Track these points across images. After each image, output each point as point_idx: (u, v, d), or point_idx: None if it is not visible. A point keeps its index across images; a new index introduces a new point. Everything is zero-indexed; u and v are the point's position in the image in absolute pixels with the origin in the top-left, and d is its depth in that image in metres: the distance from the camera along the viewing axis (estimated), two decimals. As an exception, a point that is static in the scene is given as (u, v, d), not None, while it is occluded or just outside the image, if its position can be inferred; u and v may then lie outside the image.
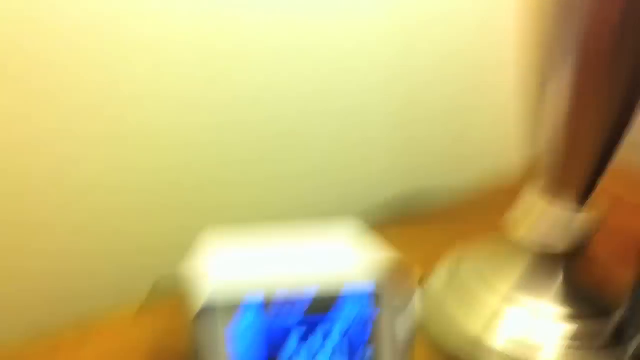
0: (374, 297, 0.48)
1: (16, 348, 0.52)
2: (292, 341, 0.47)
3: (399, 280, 0.47)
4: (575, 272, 0.54)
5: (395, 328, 0.48)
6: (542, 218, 0.53)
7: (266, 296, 0.46)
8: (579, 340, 0.51)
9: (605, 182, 0.52)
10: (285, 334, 0.47)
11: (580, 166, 0.51)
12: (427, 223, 0.76)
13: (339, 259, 0.49)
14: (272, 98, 0.66)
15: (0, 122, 0.53)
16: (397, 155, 0.80)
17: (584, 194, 0.52)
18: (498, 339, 0.52)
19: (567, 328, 0.51)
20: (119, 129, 0.58)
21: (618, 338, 0.51)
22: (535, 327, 0.52)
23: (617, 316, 0.52)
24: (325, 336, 0.48)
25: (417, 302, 0.49)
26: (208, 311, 0.45)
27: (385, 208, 0.76)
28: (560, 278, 0.53)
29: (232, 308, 0.45)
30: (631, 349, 0.50)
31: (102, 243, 0.60)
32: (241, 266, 0.49)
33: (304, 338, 0.47)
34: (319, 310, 0.47)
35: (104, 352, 0.52)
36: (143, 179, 0.61)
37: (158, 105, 0.59)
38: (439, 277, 0.61)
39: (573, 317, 0.52)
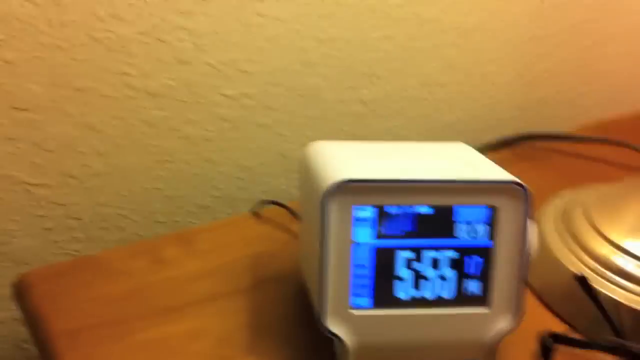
0: (491, 219, 0.47)
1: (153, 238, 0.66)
2: (400, 261, 0.47)
3: (518, 202, 0.47)
4: None
5: (512, 254, 0.48)
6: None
7: (380, 205, 0.46)
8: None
9: None
10: (394, 252, 0.47)
11: None
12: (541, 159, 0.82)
13: (456, 174, 0.47)
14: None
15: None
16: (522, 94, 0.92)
17: None
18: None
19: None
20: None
21: None
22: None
23: None
24: (436, 259, 0.48)
25: (533, 230, 0.48)
26: (338, 189, 0.45)
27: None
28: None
29: (359, 192, 0.45)
30: None
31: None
32: (363, 157, 0.50)
33: (414, 259, 0.47)
34: (430, 230, 0.47)
35: (223, 240, 0.65)
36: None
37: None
38: (546, 217, 0.63)
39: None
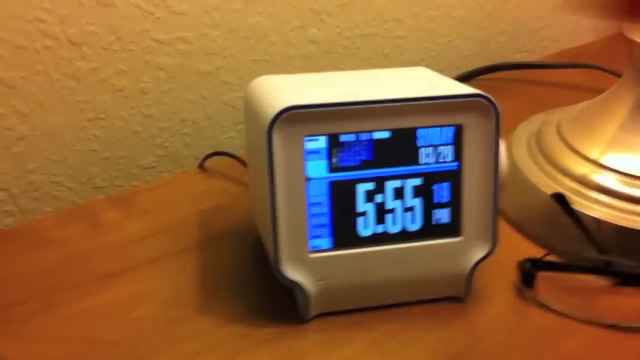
0: (456, 139, 0.44)
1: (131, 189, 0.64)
2: (360, 195, 0.44)
3: (485, 118, 0.43)
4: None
5: (482, 176, 0.44)
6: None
7: (333, 133, 0.42)
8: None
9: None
10: (352, 185, 0.43)
11: None
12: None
13: (416, 93, 0.43)
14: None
15: None
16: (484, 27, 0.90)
17: None
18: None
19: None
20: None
21: None
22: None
23: None
24: (399, 189, 0.44)
25: (503, 149, 0.45)
26: (285, 118, 0.41)
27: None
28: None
29: (307, 119, 0.41)
30: None
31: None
32: (311, 86, 0.45)
33: (375, 191, 0.44)
34: (391, 157, 0.43)
35: (167, 199, 0.61)
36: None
37: None
38: (518, 142, 0.61)
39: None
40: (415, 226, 0.45)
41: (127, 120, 0.67)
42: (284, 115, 0.41)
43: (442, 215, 0.45)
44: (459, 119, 0.43)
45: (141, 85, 0.67)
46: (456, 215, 0.45)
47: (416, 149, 0.43)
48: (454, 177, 0.44)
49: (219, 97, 0.72)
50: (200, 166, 0.65)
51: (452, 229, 0.45)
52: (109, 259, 0.52)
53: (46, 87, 0.62)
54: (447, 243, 0.45)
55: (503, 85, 0.85)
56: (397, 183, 0.44)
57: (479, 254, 0.46)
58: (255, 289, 0.49)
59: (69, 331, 0.45)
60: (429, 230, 0.45)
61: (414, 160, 0.43)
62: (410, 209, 0.44)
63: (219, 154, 0.65)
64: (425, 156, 0.43)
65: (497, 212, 0.45)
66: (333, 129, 0.42)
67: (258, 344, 0.44)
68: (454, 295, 0.48)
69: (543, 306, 0.48)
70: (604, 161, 0.54)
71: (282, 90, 0.45)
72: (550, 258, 0.50)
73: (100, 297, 0.48)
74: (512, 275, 0.50)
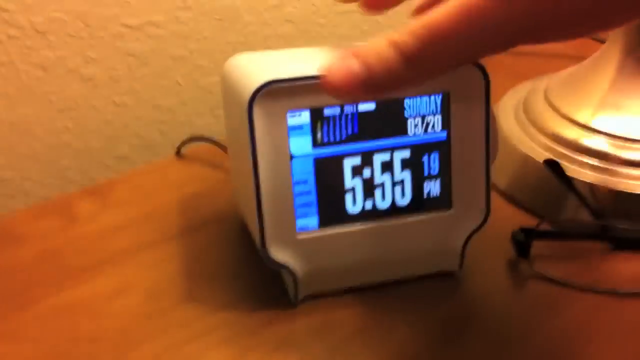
0: (444, 108, 0.42)
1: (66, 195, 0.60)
2: (347, 170, 0.42)
3: (473, 84, 0.41)
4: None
5: (472, 145, 0.43)
6: None
7: (317, 107, 0.40)
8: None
9: None
10: (338, 161, 0.42)
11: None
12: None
13: None
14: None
15: None
16: None
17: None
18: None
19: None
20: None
21: None
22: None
23: None
24: (387, 163, 0.42)
25: (492, 117, 0.43)
26: (265, 92, 0.39)
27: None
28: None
29: (289, 93, 0.39)
30: None
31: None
32: (291, 61, 0.44)
33: (362, 165, 0.42)
34: (377, 130, 0.42)
35: (144, 188, 0.58)
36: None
37: None
38: (504, 111, 0.59)
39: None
40: (405, 200, 0.43)
41: (99, 110, 0.65)
42: (265, 89, 0.39)
43: (432, 188, 0.43)
44: (446, 86, 0.41)
45: (112, 73, 0.64)
46: (446, 187, 0.43)
47: (404, 120, 0.42)
48: (443, 148, 0.43)
49: (194, 82, 0.70)
50: (178, 153, 0.63)
51: (443, 201, 0.44)
52: (85, 252, 0.50)
53: (12, 79, 0.59)
54: (439, 216, 0.44)
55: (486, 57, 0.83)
56: (385, 156, 0.42)
57: (472, 225, 0.44)
58: (242, 276, 0.47)
59: (46, 329, 0.43)
60: (420, 204, 0.43)
61: (402, 132, 0.42)
62: (399, 183, 0.43)
63: (196, 140, 0.63)
64: (414, 127, 0.42)
65: (489, 181, 0.43)
66: (316, 102, 0.40)
67: (247, 331, 0.43)
68: (447, 270, 0.46)
69: (539, 276, 0.46)
70: (594, 124, 0.52)
71: (261, 66, 0.43)
72: (544, 227, 0.48)
73: (78, 292, 0.46)
74: (506, 247, 0.49)
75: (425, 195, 0.43)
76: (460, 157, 0.43)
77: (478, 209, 0.44)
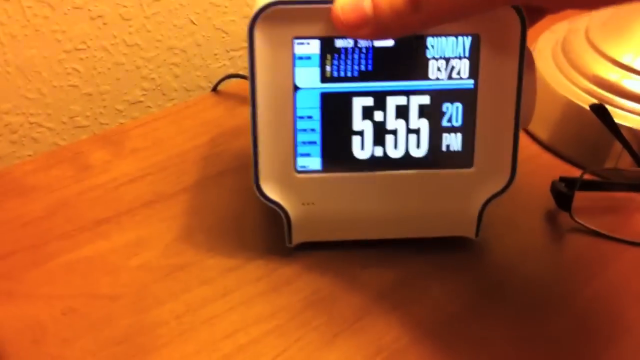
0: (473, 52, 0.38)
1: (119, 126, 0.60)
2: (357, 111, 0.39)
3: (508, 27, 0.37)
4: None
5: (502, 98, 0.39)
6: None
7: (328, 37, 0.37)
8: None
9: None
10: (348, 99, 0.39)
11: None
12: None
13: None
14: None
15: None
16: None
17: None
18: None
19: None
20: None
21: None
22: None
23: None
24: (401, 109, 0.39)
25: (531, 65, 0.39)
26: (268, 13, 0.36)
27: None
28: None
29: (296, 18, 0.36)
30: None
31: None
32: None
33: (374, 107, 0.39)
34: (394, 69, 0.38)
35: (158, 135, 0.56)
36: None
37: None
38: (542, 53, 0.56)
39: None
40: (420, 152, 0.40)
41: (109, 50, 0.62)
42: (267, 11, 0.36)
43: (453, 142, 0.40)
44: (476, 27, 0.37)
45: (122, 11, 0.61)
46: (469, 142, 0.40)
47: (425, 61, 0.38)
48: (468, 98, 0.39)
49: (208, 21, 0.67)
50: (215, 89, 0.61)
51: (464, 157, 0.40)
52: (99, 204, 0.48)
53: (17, 17, 0.56)
54: (457, 173, 0.40)
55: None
56: (400, 100, 0.39)
57: (494, 188, 0.40)
58: (264, 229, 0.45)
59: (61, 286, 0.41)
60: (437, 157, 0.40)
61: (422, 75, 0.38)
62: (415, 132, 0.40)
63: (234, 77, 0.60)
64: (437, 70, 0.38)
65: (517, 141, 0.39)
66: (327, 31, 0.37)
67: (271, 288, 0.41)
68: (461, 235, 0.43)
69: (582, 229, 0.44)
70: (635, 65, 0.49)
71: None
72: (587, 177, 0.46)
73: (94, 246, 0.44)
74: (546, 198, 0.46)
75: (443, 149, 0.40)
76: (488, 110, 0.39)
77: (502, 170, 0.40)
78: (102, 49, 0.61)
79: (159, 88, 0.66)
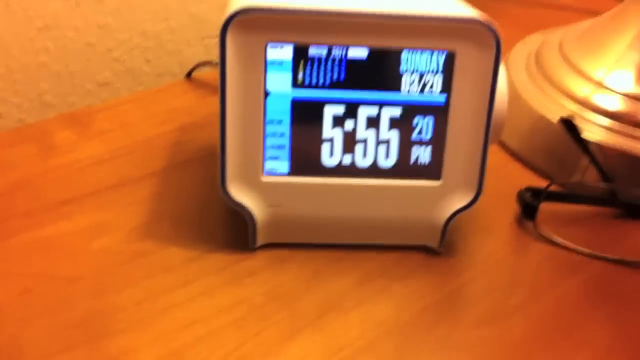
0: (447, 68, 0.38)
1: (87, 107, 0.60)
2: (327, 119, 0.39)
3: (483, 46, 0.37)
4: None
5: (473, 114, 0.39)
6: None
7: (301, 44, 0.37)
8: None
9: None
10: (319, 107, 0.39)
11: None
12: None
13: (403, 9, 0.37)
14: None
15: None
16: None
17: None
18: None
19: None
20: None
21: None
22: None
23: None
24: (371, 120, 0.39)
25: (503, 82, 0.39)
26: (241, 19, 0.36)
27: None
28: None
29: (270, 25, 0.36)
30: None
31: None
32: None
33: (345, 116, 0.39)
34: (367, 81, 0.38)
35: (127, 118, 0.55)
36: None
37: None
38: (515, 64, 0.57)
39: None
40: (389, 162, 0.40)
41: (81, 30, 0.61)
42: (240, 17, 0.36)
43: (422, 154, 0.40)
44: (451, 44, 0.38)
45: (97, -9, 0.60)
46: (438, 156, 0.40)
47: (398, 75, 0.38)
48: (439, 112, 0.39)
49: (183, 7, 0.66)
50: (188, 76, 0.61)
51: (432, 170, 0.41)
52: (63, 184, 0.47)
53: (-12, -10, 0.55)
54: (424, 186, 0.41)
55: (493, 5, 0.80)
56: (371, 110, 0.39)
57: (460, 202, 0.41)
58: (228, 220, 0.45)
59: (19, 265, 0.41)
60: (405, 169, 0.41)
61: (395, 87, 0.39)
62: (384, 142, 0.40)
63: (207, 64, 0.60)
64: (410, 84, 0.39)
65: (486, 157, 0.40)
66: (301, 38, 0.37)
67: (235, 278, 0.41)
68: (426, 245, 0.44)
69: (545, 240, 0.45)
70: (608, 82, 0.50)
71: None
72: (553, 188, 0.47)
73: (56, 227, 0.44)
74: (511, 207, 0.47)
75: (412, 161, 0.40)
76: (459, 125, 0.39)
77: (469, 185, 0.40)
78: (73, 28, 0.60)
79: (129, 71, 0.66)
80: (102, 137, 0.52)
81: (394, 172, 0.40)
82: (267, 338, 0.38)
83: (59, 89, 0.62)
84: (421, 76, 0.38)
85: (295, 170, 0.40)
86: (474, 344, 0.38)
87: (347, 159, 0.40)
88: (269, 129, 0.39)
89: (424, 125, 0.40)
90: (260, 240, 0.42)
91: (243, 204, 0.40)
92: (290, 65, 0.38)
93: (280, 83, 0.38)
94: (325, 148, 0.40)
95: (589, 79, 0.51)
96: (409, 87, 0.39)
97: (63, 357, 0.36)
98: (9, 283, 0.39)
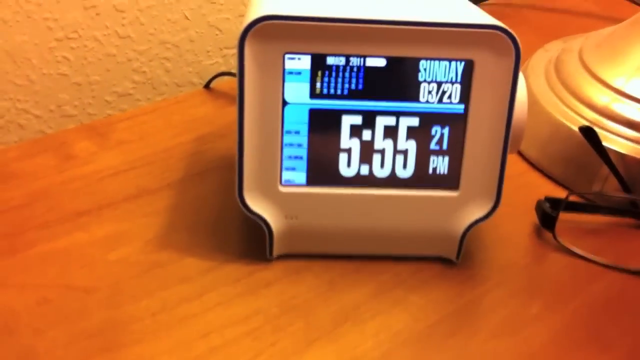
0: (465, 78, 0.38)
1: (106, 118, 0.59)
2: (345, 128, 0.39)
3: (501, 55, 0.37)
4: None
5: (492, 124, 0.39)
6: None
7: (319, 54, 0.37)
8: None
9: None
10: (336, 116, 0.39)
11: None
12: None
13: (421, 17, 0.37)
14: None
15: None
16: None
17: None
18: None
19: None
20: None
21: None
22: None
23: None
24: (389, 129, 0.39)
25: (522, 91, 0.39)
26: (259, 27, 0.36)
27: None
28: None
29: (288, 33, 0.36)
30: None
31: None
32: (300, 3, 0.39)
33: (363, 126, 0.39)
34: (385, 90, 0.38)
35: (146, 129, 0.56)
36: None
37: None
38: (534, 71, 0.56)
39: None
40: (406, 173, 0.40)
41: (101, 41, 0.62)
42: (258, 26, 0.36)
43: (439, 164, 0.40)
44: (470, 53, 0.38)
45: (116, 2, 0.61)
46: (456, 166, 0.40)
47: (417, 84, 0.38)
48: (458, 122, 0.39)
49: (202, 17, 0.67)
50: (207, 86, 0.61)
51: (450, 181, 0.40)
52: (81, 195, 0.48)
53: (9, 2, 0.56)
54: (442, 197, 0.41)
55: (511, 12, 0.80)
56: (389, 120, 0.39)
57: (477, 213, 0.41)
58: (245, 231, 0.45)
59: (37, 276, 0.41)
60: (423, 179, 0.40)
61: (413, 96, 0.39)
62: (402, 152, 0.40)
63: (226, 75, 0.61)
64: (428, 93, 0.39)
65: (504, 167, 0.39)
66: (319, 48, 0.37)
67: (251, 290, 0.41)
68: (443, 256, 0.43)
69: (564, 250, 0.44)
70: (628, 90, 0.49)
71: (273, 0, 0.40)
72: (572, 198, 0.46)
73: (73, 238, 0.44)
74: (530, 217, 0.46)
75: (430, 171, 0.40)
76: (477, 135, 0.39)
77: (487, 196, 0.40)
78: (93, 39, 0.61)
79: (149, 82, 0.66)
80: (121, 148, 0.53)
81: (412, 182, 0.40)
82: (282, 349, 0.37)
83: (79, 100, 0.63)
84: (439, 85, 0.38)
85: (312, 180, 0.40)
86: (491, 355, 0.38)
87: (364, 169, 0.40)
88: (287, 139, 0.39)
89: (442, 135, 0.39)
90: (277, 251, 0.42)
91: (260, 214, 0.40)
92: (308, 75, 0.38)
93: (298, 93, 0.38)
94: (342, 158, 0.40)
95: (608, 86, 0.50)
96: (427, 97, 0.39)
97: (79, 368, 0.36)
98: (26, 293, 0.40)
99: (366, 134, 0.39)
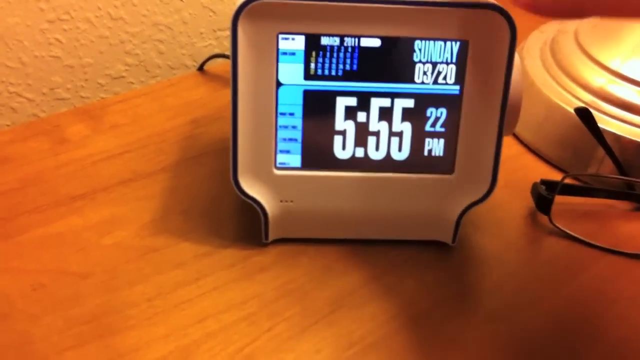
0: (460, 58, 0.38)
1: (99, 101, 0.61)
2: (340, 110, 0.39)
3: (497, 35, 0.36)
4: None
5: (487, 105, 0.38)
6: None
7: (313, 34, 0.37)
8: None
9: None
10: (331, 98, 0.38)
11: None
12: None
13: None
14: None
15: None
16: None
17: None
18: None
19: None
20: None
21: None
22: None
23: None
24: (384, 111, 0.39)
25: (518, 71, 0.38)
26: (252, 7, 0.35)
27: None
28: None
29: (282, 13, 0.36)
30: None
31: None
32: None
33: (357, 108, 0.39)
34: (380, 71, 0.38)
35: (139, 112, 0.55)
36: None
37: None
38: (530, 52, 0.56)
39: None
40: (401, 155, 0.40)
41: (93, 23, 0.61)
42: (251, 5, 0.35)
43: (435, 147, 0.40)
44: (465, 33, 0.37)
45: (108, -16, 0.60)
46: (451, 148, 0.40)
47: (412, 64, 0.38)
48: (453, 103, 0.39)
49: (196, -1, 0.66)
50: (201, 69, 0.60)
51: (445, 163, 0.40)
52: (75, 179, 0.47)
53: (-1, -16, 0.55)
54: (437, 179, 0.40)
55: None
56: (384, 102, 0.38)
57: (472, 196, 0.40)
58: (240, 215, 0.45)
59: (31, 261, 0.41)
60: (418, 161, 0.40)
61: (408, 78, 0.38)
62: (397, 135, 0.39)
63: (220, 57, 0.60)
64: (423, 74, 0.38)
65: (500, 150, 0.39)
66: (313, 28, 0.36)
67: (246, 276, 0.40)
68: (438, 240, 0.43)
69: (559, 233, 0.44)
70: (624, 71, 0.49)
71: None
72: (568, 181, 0.46)
73: (67, 222, 0.44)
74: (525, 200, 0.46)
75: (425, 153, 0.40)
76: (472, 117, 0.39)
77: (483, 178, 0.40)
78: (86, 20, 0.60)
79: (142, 64, 0.65)
80: (114, 131, 0.52)
81: (407, 164, 0.40)
82: (278, 333, 0.37)
83: (71, 82, 0.62)
84: (434, 66, 0.38)
85: (307, 163, 0.40)
86: (486, 338, 0.38)
87: (359, 152, 0.40)
88: (281, 121, 0.38)
89: (437, 116, 0.39)
90: (272, 235, 0.42)
91: (255, 197, 0.40)
92: (302, 56, 0.37)
93: (292, 74, 0.37)
94: (337, 141, 0.39)
95: (604, 68, 0.50)
96: (422, 78, 0.38)
97: (74, 353, 0.36)
98: (20, 279, 0.39)
99: (361, 116, 0.39)
